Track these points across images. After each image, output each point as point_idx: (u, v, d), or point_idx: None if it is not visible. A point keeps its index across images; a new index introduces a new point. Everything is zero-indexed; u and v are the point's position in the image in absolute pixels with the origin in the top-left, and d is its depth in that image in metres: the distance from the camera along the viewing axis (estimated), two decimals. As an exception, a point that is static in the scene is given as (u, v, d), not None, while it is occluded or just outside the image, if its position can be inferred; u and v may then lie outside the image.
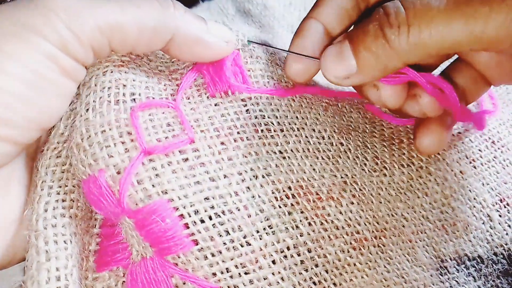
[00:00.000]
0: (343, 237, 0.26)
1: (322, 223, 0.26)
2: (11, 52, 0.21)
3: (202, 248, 0.22)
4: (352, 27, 0.30)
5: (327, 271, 0.25)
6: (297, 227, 0.25)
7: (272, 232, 0.24)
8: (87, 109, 0.24)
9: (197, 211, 0.23)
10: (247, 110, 0.27)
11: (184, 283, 0.23)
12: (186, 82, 0.27)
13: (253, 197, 0.24)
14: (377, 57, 0.25)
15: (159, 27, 0.25)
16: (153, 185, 0.23)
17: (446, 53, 0.24)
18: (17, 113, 0.22)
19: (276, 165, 0.26)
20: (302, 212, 0.25)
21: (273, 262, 0.24)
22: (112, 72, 0.25)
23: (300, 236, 0.25)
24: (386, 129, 0.33)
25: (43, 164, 0.25)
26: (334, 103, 0.32)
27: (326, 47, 0.28)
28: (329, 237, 0.26)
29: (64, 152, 0.25)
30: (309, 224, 0.25)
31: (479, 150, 0.33)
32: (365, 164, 0.29)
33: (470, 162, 0.32)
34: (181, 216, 0.23)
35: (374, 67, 0.25)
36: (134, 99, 0.25)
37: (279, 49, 0.30)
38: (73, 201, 0.25)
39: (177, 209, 0.22)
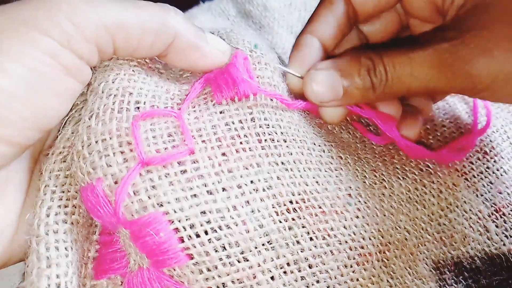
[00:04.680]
0: (346, 252, 0.25)
1: (324, 238, 0.24)
2: (8, 49, 0.20)
3: (197, 262, 0.21)
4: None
5: (328, 287, 0.24)
6: (298, 242, 0.23)
7: (272, 247, 0.23)
8: (91, 116, 0.23)
9: (193, 225, 0.21)
10: (252, 119, 0.26)
11: (180, 295, 0.21)
12: (194, 92, 0.26)
13: (253, 211, 0.23)
14: (363, 94, 0.27)
15: (161, 30, 0.24)
16: (149, 197, 0.21)
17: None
18: (13, 113, 0.20)
19: (278, 177, 0.24)
20: (303, 227, 0.24)
21: (272, 278, 0.22)
22: (121, 80, 0.24)
23: (301, 251, 0.23)
24: (376, 147, 0.31)
25: (47, 168, 0.24)
26: (325, 124, 0.31)
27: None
28: (331, 252, 0.24)
29: (69, 157, 0.24)
30: (311, 239, 0.24)
31: (471, 162, 0.32)
32: (365, 177, 0.28)
33: (462, 175, 0.31)
34: (176, 229, 0.21)
35: (358, 99, 0.27)
36: (138, 108, 0.24)
37: (290, 72, 0.29)
38: (75, 207, 0.23)
39: (172, 222, 0.21)
